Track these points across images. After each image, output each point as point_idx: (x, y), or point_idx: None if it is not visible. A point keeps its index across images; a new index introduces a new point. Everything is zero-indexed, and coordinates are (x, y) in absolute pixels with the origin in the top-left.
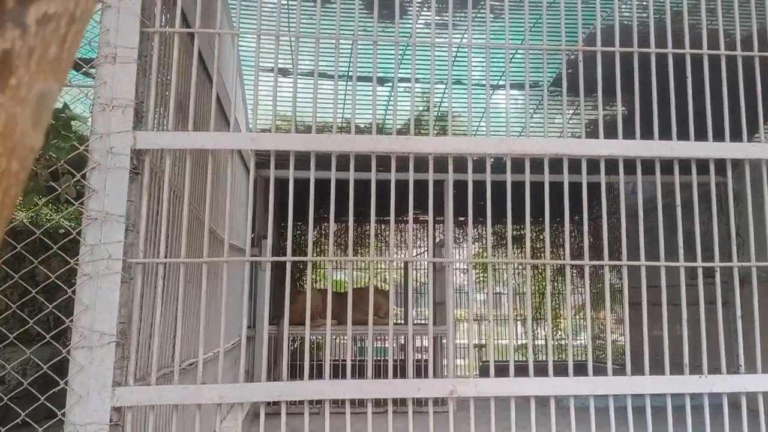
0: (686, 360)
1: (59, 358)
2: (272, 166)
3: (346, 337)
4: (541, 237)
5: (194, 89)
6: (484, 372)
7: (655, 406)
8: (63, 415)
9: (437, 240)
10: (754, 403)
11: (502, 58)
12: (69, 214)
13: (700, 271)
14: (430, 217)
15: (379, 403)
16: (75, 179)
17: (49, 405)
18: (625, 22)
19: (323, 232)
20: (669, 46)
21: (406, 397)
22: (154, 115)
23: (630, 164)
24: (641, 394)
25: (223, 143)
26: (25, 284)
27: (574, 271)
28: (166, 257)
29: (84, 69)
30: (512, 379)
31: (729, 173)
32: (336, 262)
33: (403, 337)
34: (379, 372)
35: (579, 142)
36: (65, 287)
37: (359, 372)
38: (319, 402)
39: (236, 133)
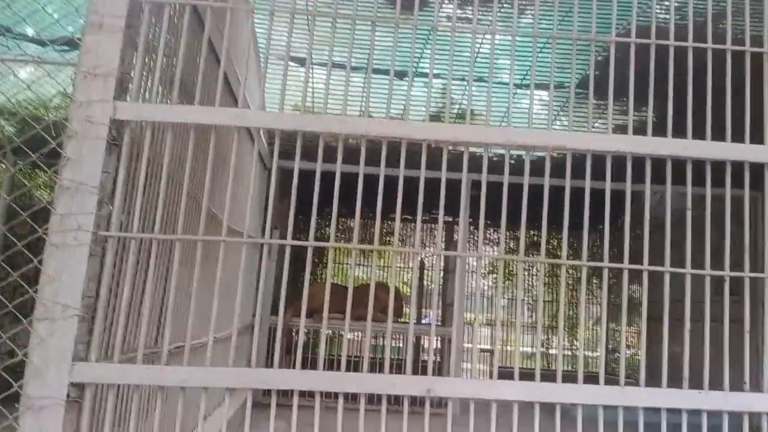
0: (686, 373)
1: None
2: (276, 150)
3: (359, 333)
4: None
5: (182, 61)
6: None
7: (670, 423)
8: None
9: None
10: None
11: (527, 55)
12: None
13: (727, 284)
14: (441, 208)
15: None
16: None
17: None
18: (661, 24)
19: (342, 226)
20: (709, 41)
21: (380, 393)
22: (139, 87)
23: (658, 172)
24: (646, 409)
25: (206, 118)
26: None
27: (595, 282)
28: (140, 232)
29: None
30: (494, 382)
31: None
32: (345, 254)
33: (420, 336)
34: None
35: (585, 136)
36: (31, 256)
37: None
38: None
39: (222, 108)
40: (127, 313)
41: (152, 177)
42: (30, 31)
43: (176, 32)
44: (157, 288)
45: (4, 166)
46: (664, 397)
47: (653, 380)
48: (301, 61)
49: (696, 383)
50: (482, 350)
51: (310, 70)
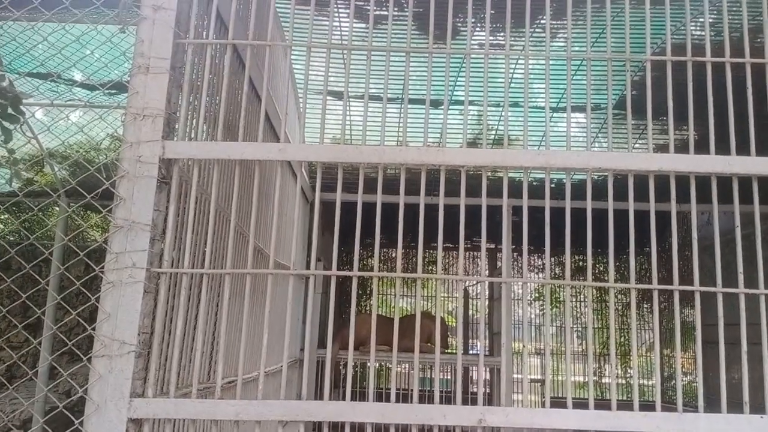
0: (746, 397)
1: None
2: (318, 182)
3: (406, 365)
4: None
5: (225, 99)
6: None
7: None
8: (81, 424)
9: (498, 267)
10: None
11: (562, 78)
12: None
13: None
14: (483, 233)
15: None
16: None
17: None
18: (696, 42)
19: (384, 257)
20: (747, 56)
21: (431, 423)
22: (185, 126)
23: (704, 192)
24: None
25: (250, 154)
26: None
27: (646, 307)
28: (191, 268)
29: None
30: (547, 410)
31: None
32: (389, 285)
33: (468, 368)
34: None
35: (626, 155)
36: (89, 294)
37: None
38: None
39: (264, 143)
40: (180, 348)
41: (200, 213)
42: (79, 76)
43: (218, 71)
44: (208, 322)
45: (58, 209)
46: (724, 423)
47: (711, 407)
48: (338, 95)
49: (757, 408)
50: (533, 380)
51: (347, 104)
